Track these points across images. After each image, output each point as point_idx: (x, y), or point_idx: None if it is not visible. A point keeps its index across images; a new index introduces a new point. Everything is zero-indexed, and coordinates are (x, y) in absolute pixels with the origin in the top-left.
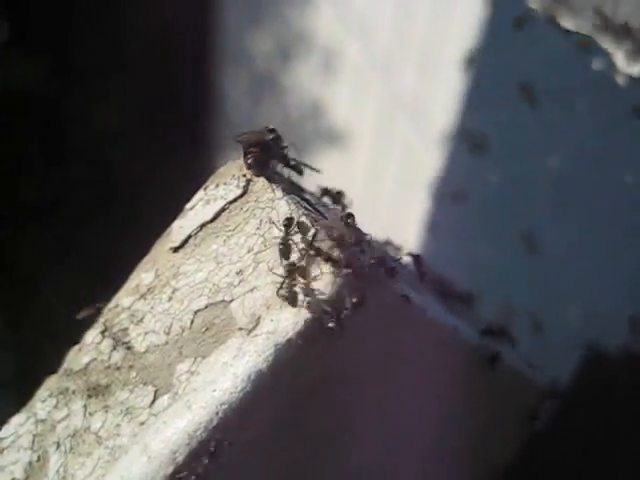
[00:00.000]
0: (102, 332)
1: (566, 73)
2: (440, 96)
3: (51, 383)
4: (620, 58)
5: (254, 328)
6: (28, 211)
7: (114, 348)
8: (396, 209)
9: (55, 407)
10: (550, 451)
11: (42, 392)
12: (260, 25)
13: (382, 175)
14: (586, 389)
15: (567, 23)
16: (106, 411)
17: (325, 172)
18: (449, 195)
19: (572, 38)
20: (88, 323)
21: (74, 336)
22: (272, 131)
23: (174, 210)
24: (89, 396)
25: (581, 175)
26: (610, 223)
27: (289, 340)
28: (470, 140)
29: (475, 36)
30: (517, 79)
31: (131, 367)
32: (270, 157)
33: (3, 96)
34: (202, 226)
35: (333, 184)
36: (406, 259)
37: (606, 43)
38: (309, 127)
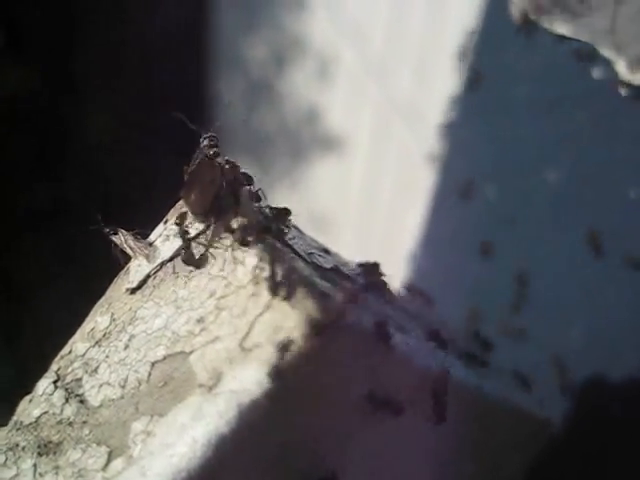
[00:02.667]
0: (54, 382)
1: (565, 82)
2: (436, 100)
3: (0, 437)
4: (622, 67)
5: (215, 385)
6: (24, 221)
7: (67, 401)
8: (393, 215)
9: (4, 465)
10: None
11: None
12: (255, 31)
13: (378, 180)
14: (587, 418)
15: (565, 30)
16: (57, 473)
17: (321, 178)
18: (446, 205)
19: (571, 46)
20: None
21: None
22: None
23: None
24: (39, 454)
25: (581, 189)
26: (613, 237)
27: (253, 401)
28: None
29: (470, 42)
30: (513, 88)
31: (84, 423)
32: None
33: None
34: (161, 265)
35: (329, 189)
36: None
37: (607, 51)
38: (305, 132)
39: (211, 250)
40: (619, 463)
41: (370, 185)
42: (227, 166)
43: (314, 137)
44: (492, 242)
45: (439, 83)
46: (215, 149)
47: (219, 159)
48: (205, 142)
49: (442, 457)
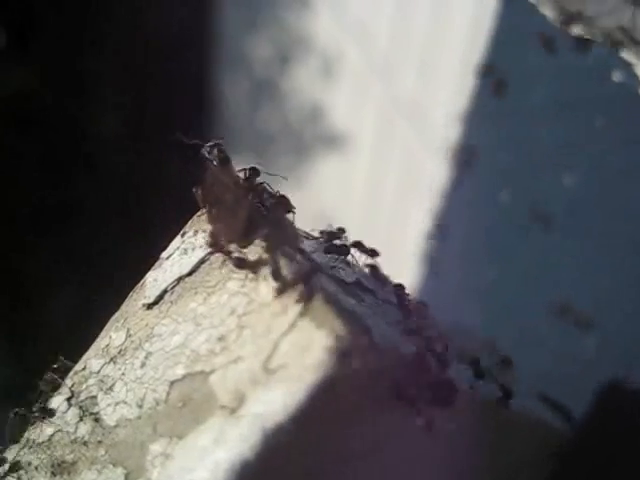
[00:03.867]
0: (68, 399)
1: (585, 86)
2: (441, 100)
3: (11, 455)
4: None
5: (238, 407)
6: (30, 222)
7: (81, 419)
8: (396, 213)
9: None
10: None
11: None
12: (259, 30)
13: (382, 179)
14: (603, 426)
15: (585, 33)
16: None
17: (325, 177)
18: (455, 210)
19: (590, 49)
20: (92, 338)
21: (79, 351)
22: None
23: (176, 220)
24: (53, 474)
25: (598, 194)
26: (630, 245)
27: (279, 425)
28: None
29: (485, 46)
30: (531, 91)
31: (100, 443)
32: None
33: (1, 103)
34: (179, 280)
35: (333, 188)
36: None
37: (627, 54)
38: (309, 131)
39: (230, 265)
40: (634, 471)
41: (374, 183)
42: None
43: (318, 135)
44: (505, 249)
45: (443, 82)
46: (224, 159)
47: (233, 172)
48: (213, 151)
49: (459, 470)
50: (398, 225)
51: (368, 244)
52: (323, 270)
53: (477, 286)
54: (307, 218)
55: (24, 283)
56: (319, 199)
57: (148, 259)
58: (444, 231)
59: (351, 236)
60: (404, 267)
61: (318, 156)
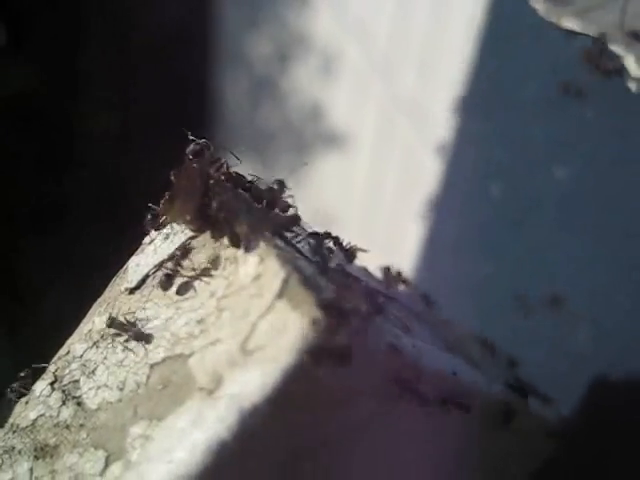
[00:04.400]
0: (51, 383)
1: (574, 79)
2: (440, 98)
3: None
4: (631, 63)
5: (216, 389)
6: (28, 221)
7: (64, 403)
8: (396, 212)
9: (0, 468)
10: None
11: None
12: (259, 28)
13: (382, 178)
14: (594, 419)
15: (574, 25)
16: (53, 477)
17: (325, 175)
18: (450, 205)
19: (580, 42)
20: None
21: None
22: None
23: None
24: (36, 457)
25: (591, 189)
26: (624, 238)
27: (255, 405)
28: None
29: (477, 40)
30: (521, 85)
31: (82, 426)
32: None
33: (1, 102)
34: (161, 265)
35: (333, 187)
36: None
37: (615, 47)
38: (309, 130)
39: (211, 249)
40: (625, 466)
41: (374, 182)
42: (213, 166)
43: (318, 134)
44: (498, 243)
45: (443, 80)
46: (198, 150)
47: (202, 160)
48: (191, 147)
49: (450, 462)
50: (398, 223)
51: (367, 242)
52: (303, 254)
53: (472, 281)
54: (307, 216)
55: (21, 282)
56: (319, 197)
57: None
58: (439, 226)
59: (350, 234)
60: (403, 264)
61: (318, 154)
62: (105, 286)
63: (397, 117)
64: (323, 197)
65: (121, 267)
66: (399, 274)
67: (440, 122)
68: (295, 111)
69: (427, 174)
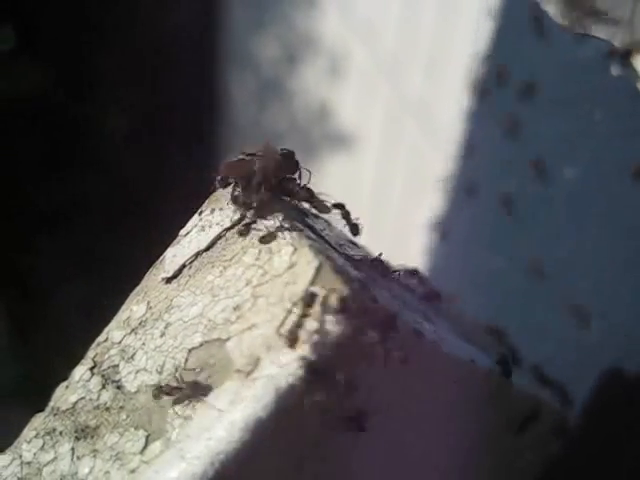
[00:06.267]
0: (91, 369)
1: (583, 80)
2: (448, 99)
3: (37, 422)
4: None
5: (253, 370)
6: (39, 221)
7: (103, 387)
8: (404, 213)
9: (42, 449)
10: (567, 477)
11: (28, 432)
12: (266, 29)
13: (390, 178)
14: (605, 412)
15: (583, 28)
16: (94, 456)
17: (333, 176)
18: (460, 203)
19: (589, 43)
20: (98, 334)
21: (86, 347)
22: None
23: (184, 217)
24: (77, 438)
25: (599, 187)
26: (630, 237)
27: (292, 385)
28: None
29: (485, 39)
30: (529, 85)
31: (121, 408)
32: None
33: (11, 103)
34: (197, 255)
35: (341, 187)
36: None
37: (624, 47)
38: (316, 131)
39: (247, 239)
40: (636, 458)
41: (381, 182)
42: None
43: (325, 135)
44: (507, 242)
45: (450, 81)
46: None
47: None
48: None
49: (460, 448)
50: (405, 223)
51: (374, 242)
52: (333, 246)
53: (481, 277)
54: None
55: (32, 281)
56: (326, 198)
57: (152, 257)
58: (448, 224)
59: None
60: (411, 263)
61: (325, 155)
62: (113, 284)
63: (404, 118)
64: (330, 197)
65: (130, 264)
66: (415, 270)
67: (447, 122)
68: (302, 112)
69: (434, 174)
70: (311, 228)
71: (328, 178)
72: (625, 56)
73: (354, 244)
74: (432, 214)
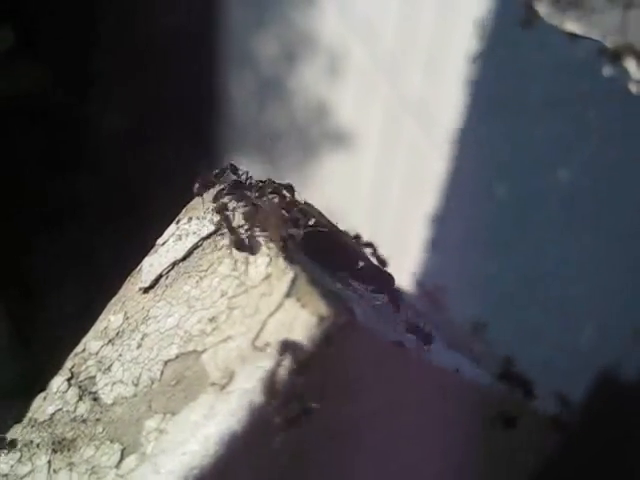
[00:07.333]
0: (68, 379)
1: (577, 81)
2: (447, 97)
3: (15, 434)
4: (633, 65)
5: (227, 384)
6: (39, 219)
7: (80, 398)
8: (402, 212)
9: (19, 461)
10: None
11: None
12: (265, 28)
13: (389, 177)
14: (599, 415)
15: (577, 28)
16: (70, 469)
17: (332, 174)
18: (456, 204)
19: (582, 44)
20: None
21: None
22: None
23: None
24: (54, 451)
25: (593, 189)
26: (626, 238)
27: (266, 400)
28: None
29: (482, 41)
30: (525, 87)
31: (98, 420)
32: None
33: (10, 102)
34: (174, 265)
35: (340, 186)
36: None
37: (618, 49)
38: (315, 129)
39: (222, 249)
40: (629, 460)
41: (380, 181)
42: None
43: (324, 133)
44: (503, 245)
45: (449, 80)
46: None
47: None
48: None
49: (453, 457)
50: (404, 222)
51: (374, 241)
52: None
53: (476, 279)
54: None
55: (32, 281)
56: (325, 197)
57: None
58: (444, 226)
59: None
60: (409, 264)
61: (324, 153)
62: (113, 284)
63: (403, 116)
64: (329, 196)
65: (130, 265)
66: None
67: (446, 122)
68: (301, 111)
69: (433, 173)
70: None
71: (327, 176)
72: (616, 57)
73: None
74: (430, 213)
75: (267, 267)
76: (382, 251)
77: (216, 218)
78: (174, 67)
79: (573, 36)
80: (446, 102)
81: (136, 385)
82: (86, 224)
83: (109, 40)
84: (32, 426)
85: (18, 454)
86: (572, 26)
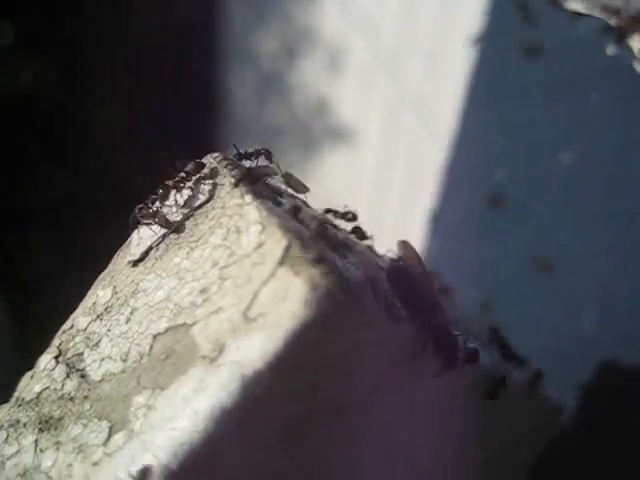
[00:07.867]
0: (56, 357)
1: (579, 61)
2: (447, 92)
3: (2, 414)
4: (637, 44)
5: (218, 356)
6: (34, 213)
7: (68, 376)
8: (403, 207)
9: (5, 441)
10: (562, 469)
11: None
12: (265, 24)
13: (389, 173)
14: (600, 405)
15: (579, 6)
16: (57, 448)
17: (332, 170)
18: (457, 194)
19: (585, 23)
20: None
21: None
22: None
23: None
24: (41, 430)
25: (597, 171)
26: (629, 223)
27: (257, 372)
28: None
29: (479, 23)
30: (525, 70)
31: (85, 398)
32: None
33: (8, 99)
34: (164, 236)
35: (340, 181)
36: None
37: (619, 26)
38: (315, 125)
39: (214, 219)
40: (631, 449)
41: (381, 177)
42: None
43: (325, 129)
44: (504, 232)
45: (450, 75)
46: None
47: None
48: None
49: (454, 442)
50: (405, 217)
51: (374, 236)
52: (302, 222)
53: (478, 268)
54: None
55: (25, 273)
56: (326, 192)
57: None
58: (446, 216)
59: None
60: None
61: (325, 149)
62: None
63: (403, 112)
64: (330, 192)
65: None
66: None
67: (446, 116)
68: (302, 106)
69: (433, 168)
70: (283, 207)
71: (328, 172)
72: (621, 35)
73: (335, 227)
74: (431, 207)
75: (260, 235)
76: (383, 243)
77: (208, 188)
78: (174, 63)
79: (576, 14)
80: (446, 97)
81: (125, 361)
82: (82, 220)
83: (108, 37)
84: (19, 405)
85: (5, 434)
86: (575, 4)
